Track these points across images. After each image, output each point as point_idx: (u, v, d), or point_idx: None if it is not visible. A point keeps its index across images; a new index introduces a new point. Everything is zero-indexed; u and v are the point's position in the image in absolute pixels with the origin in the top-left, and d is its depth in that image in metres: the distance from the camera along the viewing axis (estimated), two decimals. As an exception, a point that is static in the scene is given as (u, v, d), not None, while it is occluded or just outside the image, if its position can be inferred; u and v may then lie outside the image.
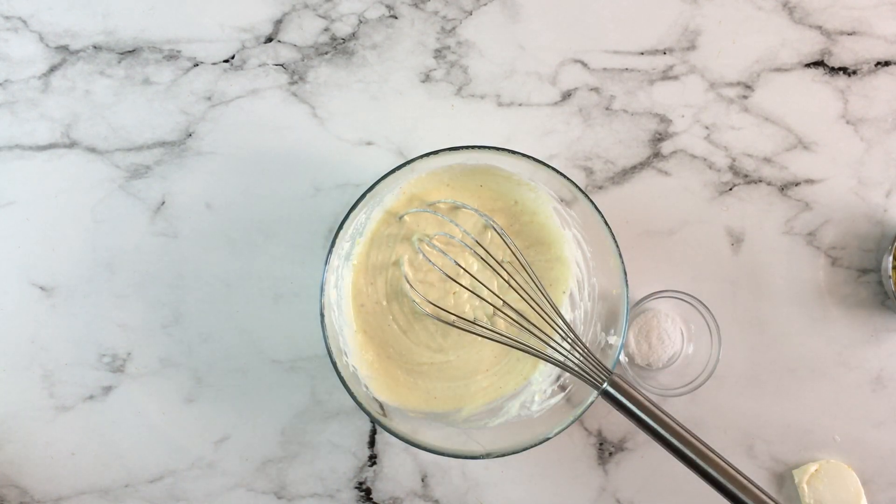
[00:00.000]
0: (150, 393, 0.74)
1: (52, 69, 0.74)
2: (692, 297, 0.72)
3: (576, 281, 0.70)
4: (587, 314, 0.69)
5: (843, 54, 0.75)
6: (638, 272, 0.73)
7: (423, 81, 0.75)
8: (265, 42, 0.75)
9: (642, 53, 0.75)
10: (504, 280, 0.68)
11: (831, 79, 0.75)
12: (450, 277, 0.66)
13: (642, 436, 0.72)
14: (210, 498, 0.73)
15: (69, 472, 0.74)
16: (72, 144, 0.74)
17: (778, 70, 0.75)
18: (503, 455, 0.63)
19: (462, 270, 0.67)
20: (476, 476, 0.74)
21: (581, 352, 0.61)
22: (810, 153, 0.75)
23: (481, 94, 0.75)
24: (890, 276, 0.71)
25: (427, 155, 0.63)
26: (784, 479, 0.74)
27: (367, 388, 0.66)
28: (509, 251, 0.68)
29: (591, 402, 0.63)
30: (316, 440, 0.74)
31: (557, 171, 0.64)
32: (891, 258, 0.71)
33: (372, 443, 0.74)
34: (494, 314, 0.69)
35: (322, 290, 0.63)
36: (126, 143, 0.74)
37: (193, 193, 0.74)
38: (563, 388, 0.68)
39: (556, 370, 0.68)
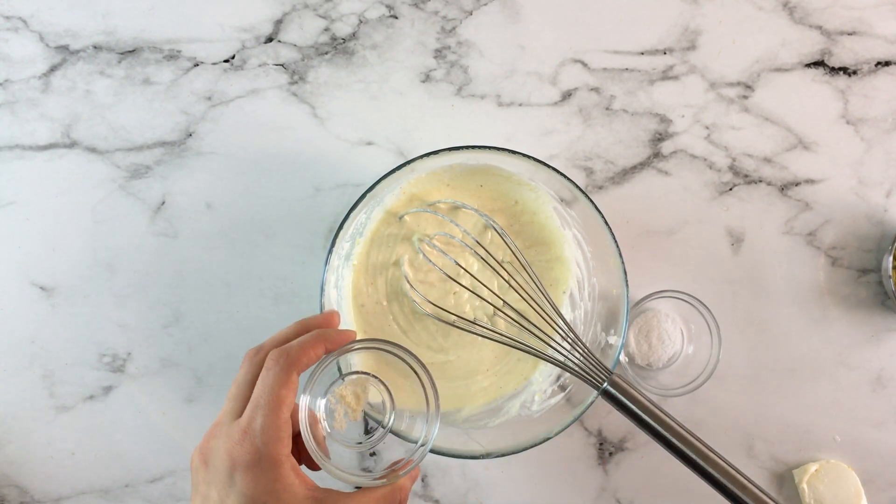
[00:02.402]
0: (150, 393, 0.74)
1: (53, 69, 0.74)
2: (692, 297, 0.72)
3: (576, 281, 0.70)
4: (587, 314, 0.69)
5: (843, 54, 0.75)
6: (638, 272, 0.73)
7: (424, 81, 0.75)
8: (265, 42, 0.75)
9: (642, 53, 0.75)
10: (504, 280, 0.68)
11: (831, 79, 0.75)
12: (450, 277, 0.66)
13: (642, 436, 0.72)
14: (210, 498, 0.73)
15: (69, 472, 0.74)
16: (72, 144, 0.74)
17: (778, 70, 0.75)
18: (503, 455, 0.63)
19: (462, 270, 0.67)
20: (476, 476, 0.74)
21: (581, 352, 0.61)
22: (810, 153, 0.75)
23: (481, 94, 0.75)
24: (890, 276, 0.71)
25: (427, 155, 0.63)
26: (784, 479, 0.74)
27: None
28: (509, 251, 0.68)
29: (591, 402, 0.63)
30: (316, 440, 0.74)
31: (557, 171, 0.64)
32: (891, 258, 0.71)
33: (372, 443, 0.74)
34: (495, 314, 0.69)
35: (322, 290, 0.63)
36: (126, 143, 0.74)
37: (193, 193, 0.74)
38: (563, 388, 0.68)
39: (556, 370, 0.68)
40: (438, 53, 0.75)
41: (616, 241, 0.64)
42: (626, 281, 0.64)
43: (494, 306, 0.67)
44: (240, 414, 0.47)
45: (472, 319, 0.68)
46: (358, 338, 0.53)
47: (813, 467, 0.73)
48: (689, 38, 0.75)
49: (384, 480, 0.50)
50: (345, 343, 0.51)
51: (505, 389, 0.70)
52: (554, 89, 0.75)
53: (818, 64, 0.76)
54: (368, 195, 0.62)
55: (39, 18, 0.75)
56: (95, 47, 0.74)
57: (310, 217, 0.74)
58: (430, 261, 0.67)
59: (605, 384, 0.60)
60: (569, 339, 0.61)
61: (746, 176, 0.75)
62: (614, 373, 0.61)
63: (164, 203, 0.74)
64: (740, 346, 0.74)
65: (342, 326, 0.67)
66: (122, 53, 0.74)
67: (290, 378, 0.47)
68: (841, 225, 0.75)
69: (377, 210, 0.67)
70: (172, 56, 0.74)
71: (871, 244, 0.75)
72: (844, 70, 0.76)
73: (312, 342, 0.49)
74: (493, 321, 0.69)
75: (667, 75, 0.75)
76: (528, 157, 0.63)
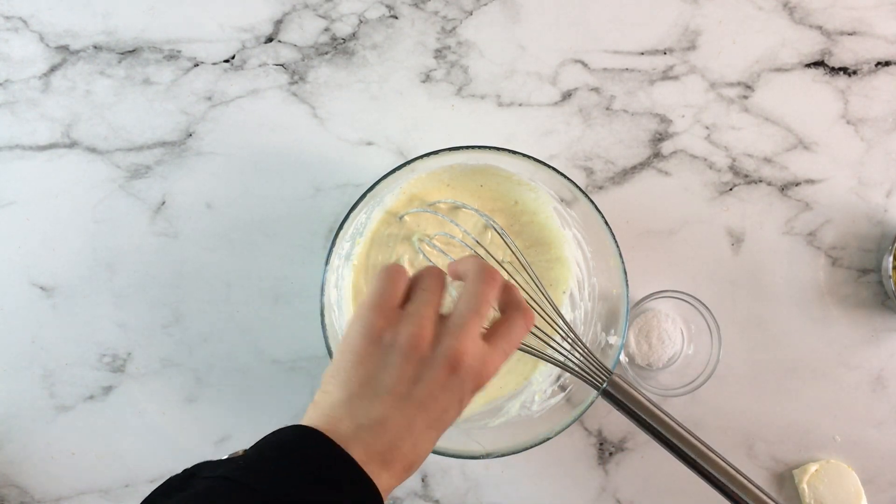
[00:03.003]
0: (150, 393, 0.74)
1: (53, 69, 0.74)
2: (692, 297, 0.72)
3: (576, 281, 0.70)
4: (587, 314, 0.69)
5: (844, 54, 0.75)
6: (638, 272, 0.73)
7: (424, 81, 0.75)
8: (265, 42, 0.75)
9: (642, 53, 0.75)
10: (504, 280, 0.68)
11: (831, 79, 0.75)
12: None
13: (642, 436, 0.72)
14: (210, 498, 0.73)
15: (69, 472, 0.74)
16: (72, 144, 0.74)
17: (778, 70, 0.75)
18: (503, 455, 0.63)
19: (462, 270, 0.67)
20: (476, 476, 0.74)
21: (581, 352, 0.61)
22: (810, 153, 0.75)
23: (481, 94, 0.75)
24: (890, 276, 0.71)
25: (427, 155, 0.63)
26: (784, 479, 0.74)
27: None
28: (509, 251, 0.68)
29: (591, 402, 0.63)
30: (316, 440, 0.74)
31: (557, 171, 0.64)
32: (891, 258, 0.71)
33: (372, 443, 0.74)
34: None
35: (322, 290, 0.63)
36: (126, 143, 0.74)
37: (193, 193, 0.74)
38: (563, 388, 0.68)
39: (556, 370, 0.68)
40: (438, 53, 0.75)
41: (616, 241, 0.64)
42: (626, 281, 0.64)
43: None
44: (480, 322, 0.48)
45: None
46: None
47: (813, 467, 0.73)
48: (689, 38, 0.75)
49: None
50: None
51: (505, 389, 0.70)
52: (554, 89, 0.75)
53: (818, 64, 0.76)
54: (368, 195, 0.62)
55: (39, 18, 0.75)
56: (95, 47, 0.74)
57: (310, 217, 0.74)
58: (430, 261, 0.67)
59: (605, 384, 0.60)
60: (569, 339, 0.61)
61: (746, 176, 0.75)
62: (614, 373, 0.61)
63: (164, 203, 0.74)
64: (740, 346, 0.74)
65: (341, 322, 0.67)
66: (122, 53, 0.74)
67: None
68: (841, 225, 0.75)
69: (377, 210, 0.67)
70: (172, 56, 0.74)
71: (871, 244, 0.75)
72: (844, 70, 0.76)
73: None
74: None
75: (667, 75, 0.75)
76: (528, 157, 0.63)
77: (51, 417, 0.74)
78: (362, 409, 0.44)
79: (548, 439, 0.63)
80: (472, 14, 0.75)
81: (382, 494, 0.42)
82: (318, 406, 0.45)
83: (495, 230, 0.68)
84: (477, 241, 0.68)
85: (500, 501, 0.74)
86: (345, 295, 0.68)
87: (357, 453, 0.42)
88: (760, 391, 0.74)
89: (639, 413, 0.60)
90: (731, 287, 0.75)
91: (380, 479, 0.42)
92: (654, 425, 0.59)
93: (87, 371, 0.74)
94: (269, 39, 0.75)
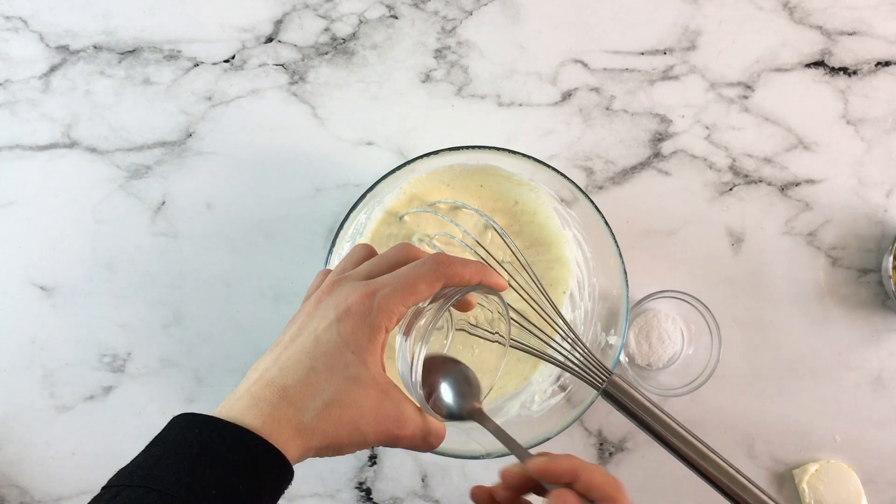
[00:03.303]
0: (150, 393, 0.74)
1: (53, 69, 0.74)
2: (692, 297, 0.72)
3: (576, 281, 0.70)
4: (587, 314, 0.69)
5: (844, 54, 0.75)
6: (638, 272, 0.73)
7: (424, 81, 0.75)
8: (265, 42, 0.75)
9: (642, 53, 0.75)
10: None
11: (831, 79, 0.75)
12: (450, 277, 0.66)
13: (642, 436, 0.72)
14: (210, 498, 0.73)
15: (69, 472, 0.74)
16: (72, 144, 0.74)
17: (778, 70, 0.75)
18: (503, 455, 0.63)
19: (462, 270, 0.67)
20: (476, 476, 0.74)
21: (581, 352, 0.61)
22: (810, 153, 0.75)
23: (481, 94, 0.75)
24: (890, 277, 0.71)
25: (427, 155, 0.63)
26: (784, 479, 0.74)
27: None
28: (509, 251, 0.68)
29: (591, 402, 0.63)
30: (316, 440, 0.73)
31: (558, 171, 0.64)
32: (891, 258, 0.71)
33: (372, 443, 0.74)
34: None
35: (322, 290, 0.63)
36: (126, 143, 0.74)
37: (193, 193, 0.74)
38: (563, 388, 0.68)
39: (556, 370, 0.68)
40: (438, 53, 0.75)
41: (616, 241, 0.64)
42: (626, 281, 0.64)
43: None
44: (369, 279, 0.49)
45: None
46: None
47: (813, 467, 0.73)
48: (689, 38, 0.75)
49: (435, 414, 0.50)
50: (494, 285, 0.51)
51: (505, 389, 0.70)
52: (554, 89, 0.75)
53: (818, 64, 0.76)
54: (368, 195, 0.62)
55: (39, 18, 0.75)
56: (95, 47, 0.74)
57: (310, 217, 0.74)
58: (430, 261, 0.67)
59: (605, 384, 0.60)
60: (569, 340, 0.61)
61: (746, 176, 0.75)
62: (614, 373, 0.61)
63: (164, 203, 0.74)
64: (740, 346, 0.74)
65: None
66: (122, 53, 0.74)
67: (436, 281, 0.48)
68: (841, 225, 0.75)
69: (377, 210, 0.67)
70: (172, 56, 0.74)
71: (871, 244, 0.75)
72: (844, 70, 0.76)
73: (475, 271, 0.50)
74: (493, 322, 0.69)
75: (667, 75, 0.75)
76: (529, 157, 0.63)
77: (51, 417, 0.74)
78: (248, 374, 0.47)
79: (548, 439, 0.63)
80: (472, 14, 0.75)
81: (251, 416, 0.43)
82: None
83: (495, 230, 0.68)
84: (477, 241, 0.68)
85: (500, 501, 0.74)
86: (345, 295, 0.68)
87: (224, 406, 0.44)
88: (760, 391, 0.74)
89: (639, 413, 0.60)
90: (731, 287, 0.75)
91: (254, 406, 0.44)
92: (654, 425, 0.59)
93: (87, 371, 0.74)
94: (269, 39, 0.75)
